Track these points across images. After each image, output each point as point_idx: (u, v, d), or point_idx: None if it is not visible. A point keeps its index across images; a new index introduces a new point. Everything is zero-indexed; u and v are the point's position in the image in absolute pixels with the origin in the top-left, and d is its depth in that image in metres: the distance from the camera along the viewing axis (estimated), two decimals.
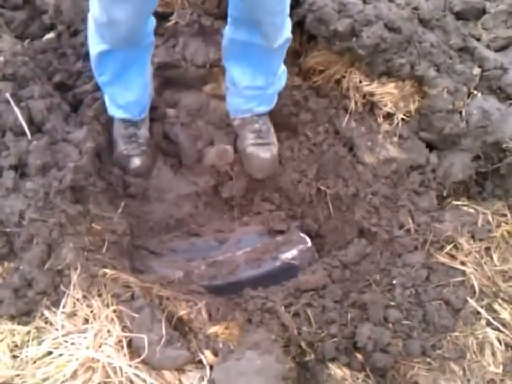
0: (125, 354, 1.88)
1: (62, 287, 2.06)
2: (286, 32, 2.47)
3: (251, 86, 2.64)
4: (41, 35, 3.03)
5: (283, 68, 2.69)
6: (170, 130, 2.75)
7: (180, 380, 1.93)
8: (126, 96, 2.63)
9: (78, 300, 2.02)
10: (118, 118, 2.74)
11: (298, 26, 2.81)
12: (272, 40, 2.42)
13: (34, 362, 1.90)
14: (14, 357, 1.94)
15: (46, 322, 2.01)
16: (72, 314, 2.01)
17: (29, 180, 2.23)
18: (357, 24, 2.57)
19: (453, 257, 2.41)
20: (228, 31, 2.57)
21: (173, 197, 2.65)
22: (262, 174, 2.77)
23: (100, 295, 2.02)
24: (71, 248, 2.10)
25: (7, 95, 2.35)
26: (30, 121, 2.38)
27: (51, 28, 3.04)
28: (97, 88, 2.71)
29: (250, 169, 2.76)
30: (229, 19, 2.51)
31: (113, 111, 2.71)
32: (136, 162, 2.69)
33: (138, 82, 2.63)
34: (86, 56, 2.72)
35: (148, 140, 2.76)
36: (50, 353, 1.89)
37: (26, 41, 2.93)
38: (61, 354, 1.87)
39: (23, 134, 2.33)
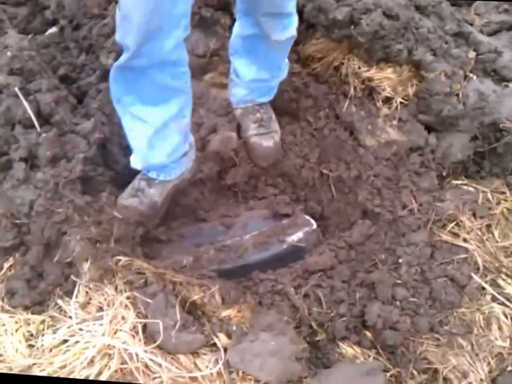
0: (140, 340, 1.85)
1: (72, 276, 2.03)
2: (292, 29, 2.44)
3: (256, 79, 2.61)
4: (44, 30, 3.01)
5: (286, 60, 2.66)
6: None
7: (195, 364, 1.91)
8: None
9: (90, 288, 1.99)
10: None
11: (297, 14, 2.76)
12: (277, 35, 2.39)
13: (51, 350, 1.87)
14: (30, 346, 1.91)
15: (60, 312, 1.99)
16: (86, 303, 1.98)
17: (39, 171, 2.20)
18: (356, 12, 2.54)
19: (455, 235, 2.40)
20: (236, 27, 2.55)
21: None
22: (266, 162, 2.72)
23: (112, 283, 1.99)
24: (80, 238, 2.07)
25: (16, 89, 2.31)
26: (39, 114, 2.36)
27: (53, 22, 3.02)
28: (100, 79, 2.66)
29: (255, 157, 2.72)
30: (236, 15, 2.50)
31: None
32: (127, 214, 2.32)
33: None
34: (88, 49, 2.69)
35: (154, 204, 2.42)
36: (66, 341, 1.86)
37: (29, 36, 2.89)
38: (76, 342, 1.84)
39: (32, 126, 2.31)
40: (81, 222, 2.12)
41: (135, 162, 2.39)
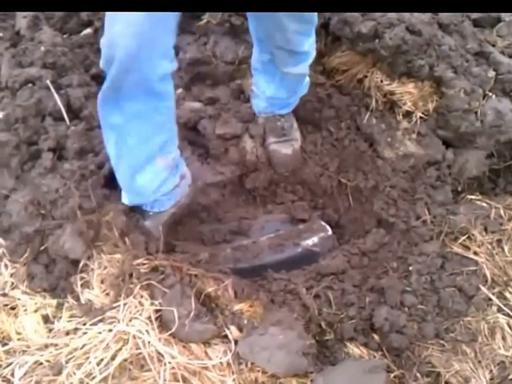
0: (153, 329, 1.91)
1: (92, 265, 2.11)
2: (303, 66, 2.51)
3: (274, 97, 2.66)
4: (79, 31, 3.07)
5: (307, 79, 2.70)
6: (199, 123, 2.76)
7: (206, 353, 1.96)
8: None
9: (109, 276, 2.06)
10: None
11: (323, 27, 2.85)
12: (288, 68, 2.46)
13: (67, 333, 1.94)
14: (48, 327, 1.98)
15: (77, 299, 2.06)
16: (103, 290, 2.05)
17: (66, 162, 2.27)
18: (380, 26, 2.60)
19: (466, 247, 2.43)
20: (254, 52, 2.59)
21: (200, 185, 2.65)
22: (285, 169, 2.76)
23: (130, 275, 2.05)
24: (100, 229, 2.15)
25: (48, 81, 2.39)
26: (68, 107, 2.43)
27: (88, 24, 3.08)
28: None
29: (274, 164, 2.76)
30: (254, 41, 2.53)
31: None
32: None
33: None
34: None
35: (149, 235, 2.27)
36: (83, 325, 1.93)
37: (65, 36, 2.96)
38: (92, 326, 1.91)
39: (62, 119, 2.38)
40: (105, 213, 2.19)
41: (124, 197, 2.25)
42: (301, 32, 2.29)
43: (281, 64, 2.44)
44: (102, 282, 2.07)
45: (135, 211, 2.29)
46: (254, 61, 2.63)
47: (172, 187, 2.28)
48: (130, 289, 1.99)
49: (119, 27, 1.75)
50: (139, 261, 2.08)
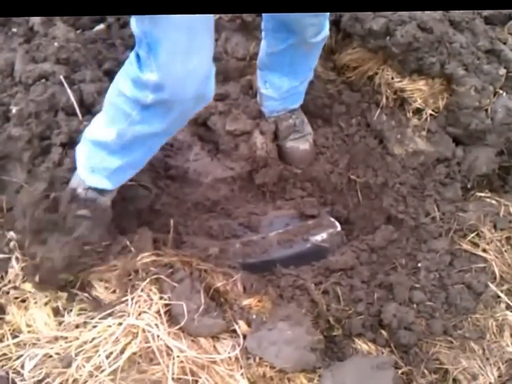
0: (162, 323, 1.91)
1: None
2: (324, 31, 2.43)
3: (289, 88, 2.64)
4: (92, 26, 3.07)
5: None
6: (209, 118, 2.76)
7: (214, 347, 1.96)
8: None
9: (118, 269, 2.06)
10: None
11: (334, 24, 2.83)
12: (309, 37, 2.38)
13: (77, 326, 1.94)
14: (58, 320, 1.98)
15: (87, 292, 2.06)
16: (114, 284, 2.05)
17: None
18: (392, 23, 2.57)
19: (475, 244, 2.42)
20: (264, 45, 2.56)
21: (210, 180, 2.65)
22: (304, 164, 2.75)
23: (136, 271, 2.05)
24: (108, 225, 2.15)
25: (61, 77, 2.38)
26: (81, 102, 2.41)
27: (101, 20, 3.08)
28: None
29: (292, 161, 2.76)
30: (264, 33, 2.50)
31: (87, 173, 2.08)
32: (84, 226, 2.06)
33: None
34: (133, 47, 2.75)
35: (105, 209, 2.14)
36: (92, 319, 1.93)
37: (78, 31, 2.96)
38: (102, 320, 1.91)
39: (74, 114, 2.36)
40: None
41: (101, 182, 2.07)
42: None
43: (312, 35, 2.35)
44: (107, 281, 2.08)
45: (88, 188, 2.07)
46: (263, 57, 2.60)
47: None
48: (138, 284, 1.99)
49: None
50: (147, 255, 2.08)
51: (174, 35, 1.61)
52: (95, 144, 2.00)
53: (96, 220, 2.07)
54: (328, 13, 2.39)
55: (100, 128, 1.97)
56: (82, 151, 2.08)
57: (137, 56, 1.70)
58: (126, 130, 1.85)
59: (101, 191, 2.08)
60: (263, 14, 2.44)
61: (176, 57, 1.63)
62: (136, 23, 1.65)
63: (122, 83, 1.81)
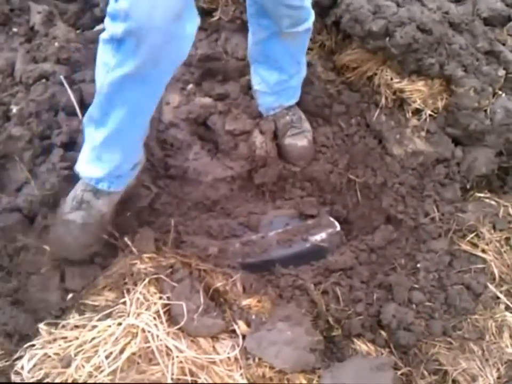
0: (162, 323, 1.89)
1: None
2: (306, 23, 2.45)
3: (279, 81, 2.64)
4: (92, 26, 3.06)
5: (304, 61, 2.69)
6: (208, 118, 2.75)
7: (214, 347, 1.94)
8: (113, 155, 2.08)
9: (118, 269, 2.05)
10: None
11: (334, 25, 2.84)
12: (285, 27, 2.40)
13: (77, 327, 1.92)
14: (56, 323, 1.95)
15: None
16: (113, 284, 2.04)
17: None
18: (391, 25, 2.57)
19: (474, 245, 2.41)
20: (250, 35, 2.60)
21: (210, 180, 2.64)
22: (303, 161, 2.74)
23: (140, 266, 2.04)
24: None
25: (61, 77, 2.38)
26: (81, 102, 2.41)
27: (102, 19, 3.05)
28: None
29: (291, 158, 2.75)
30: (249, 21, 2.54)
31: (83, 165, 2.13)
32: (74, 234, 2.11)
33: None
34: None
35: (102, 216, 2.16)
36: (91, 319, 1.92)
37: (78, 31, 2.96)
38: (101, 319, 1.90)
39: (75, 114, 2.37)
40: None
41: (91, 170, 2.11)
42: None
43: (288, 25, 2.38)
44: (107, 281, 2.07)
45: (84, 189, 2.12)
46: (251, 48, 2.64)
47: (136, 162, 2.21)
48: (137, 284, 1.98)
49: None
50: (147, 255, 2.07)
51: None
52: (86, 124, 2.05)
53: (86, 226, 2.11)
54: (309, 7, 2.41)
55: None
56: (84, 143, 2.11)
57: None
58: (103, 82, 1.87)
59: (96, 192, 2.11)
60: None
61: None
62: None
63: (103, 33, 1.83)
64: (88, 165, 2.10)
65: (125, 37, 1.72)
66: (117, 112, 1.93)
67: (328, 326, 2.16)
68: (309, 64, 2.79)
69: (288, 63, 2.60)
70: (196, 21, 1.87)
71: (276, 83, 2.65)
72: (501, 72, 2.69)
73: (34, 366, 1.78)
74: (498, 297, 2.25)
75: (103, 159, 2.05)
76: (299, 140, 2.72)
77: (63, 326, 1.92)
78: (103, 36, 1.82)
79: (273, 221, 2.60)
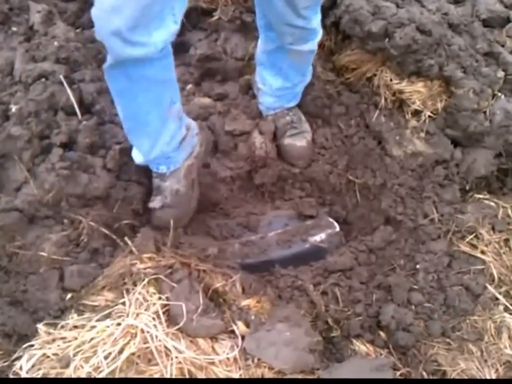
0: (161, 323, 1.88)
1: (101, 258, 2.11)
2: (313, 43, 2.47)
3: (282, 87, 2.65)
4: (92, 25, 3.03)
5: (310, 69, 2.70)
6: (208, 119, 2.74)
7: (213, 348, 1.93)
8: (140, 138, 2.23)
9: (117, 269, 2.03)
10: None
11: (334, 26, 2.84)
12: (287, 43, 2.42)
13: (76, 327, 1.90)
14: (55, 323, 1.94)
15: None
16: (112, 284, 2.02)
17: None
18: (390, 26, 2.56)
19: (473, 246, 2.40)
20: (259, 43, 2.60)
21: (210, 180, 2.63)
22: (302, 161, 2.75)
23: (140, 270, 2.02)
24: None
25: (61, 76, 2.37)
26: (81, 102, 2.42)
27: None
28: None
29: (290, 158, 2.75)
30: (259, 31, 2.54)
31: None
32: (157, 215, 2.36)
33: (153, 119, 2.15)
34: None
35: (176, 192, 2.37)
36: (90, 320, 1.90)
37: (78, 30, 2.94)
38: (100, 319, 1.89)
39: (74, 113, 2.36)
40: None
41: (137, 157, 2.33)
42: (310, 8, 2.25)
43: (291, 42, 2.40)
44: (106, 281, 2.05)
45: (153, 177, 2.39)
46: (259, 53, 2.64)
47: (180, 140, 2.31)
48: (137, 285, 1.97)
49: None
50: (147, 255, 2.06)
51: None
52: None
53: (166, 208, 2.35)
54: (315, 28, 2.41)
55: None
56: None
57: None
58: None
59: (158, 175, 2.37)
60: (257, 11, 2.47)
61: None
62: None
63: None
64: (134, 152, 2.33)
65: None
66: (116, 103, 2.06)
67: (328, 327, 2.15)
68: None
69: (293, 74, 2.61)
70: (169, 30, 1.85)
71: (279, 88, 2.66)
72: (500, 74, 2.68)
73: (33, 366, 1.76)
74: (497, 298, 2.24)
75: (135, 145, 2.28)
76: (298, 140, 2.72)
77: (62, 326, 1.89)
78: None
79: (272, 221, 2.60)
